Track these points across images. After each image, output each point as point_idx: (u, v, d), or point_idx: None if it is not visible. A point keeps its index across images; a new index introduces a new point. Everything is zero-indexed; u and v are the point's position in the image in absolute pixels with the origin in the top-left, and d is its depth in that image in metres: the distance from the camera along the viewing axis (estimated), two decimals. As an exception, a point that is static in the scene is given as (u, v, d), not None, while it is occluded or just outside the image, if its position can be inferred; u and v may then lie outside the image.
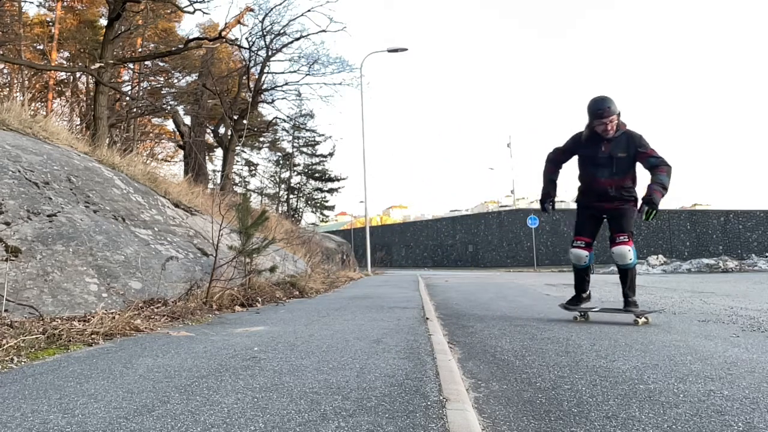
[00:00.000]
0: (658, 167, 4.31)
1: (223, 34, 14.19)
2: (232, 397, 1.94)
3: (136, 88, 23.04)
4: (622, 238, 4.48)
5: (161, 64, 22.59)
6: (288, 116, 31.34)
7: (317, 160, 36.11)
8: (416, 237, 42.44)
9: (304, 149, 35.97)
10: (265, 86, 19.81)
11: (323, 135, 35.29)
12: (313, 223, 32.66)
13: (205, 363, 2.54)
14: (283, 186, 35.04)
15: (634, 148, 4.34)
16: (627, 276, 4.55)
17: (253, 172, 35.40)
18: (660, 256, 19.95)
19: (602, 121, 4.28)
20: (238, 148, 22.71)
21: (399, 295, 7.10)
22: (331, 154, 35.84)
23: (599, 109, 4.29)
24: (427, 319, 4.37)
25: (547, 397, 2.16)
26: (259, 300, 5.64)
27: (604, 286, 9.56)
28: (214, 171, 25.70)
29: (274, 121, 26.44)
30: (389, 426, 1.64)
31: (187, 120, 20.47)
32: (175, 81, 23.94)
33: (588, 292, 4.94)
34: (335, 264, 15.23)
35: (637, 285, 4.88)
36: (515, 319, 4.75)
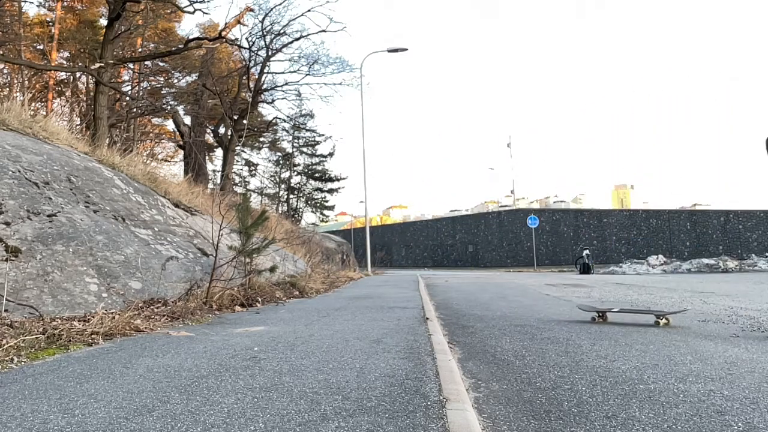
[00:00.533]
0: None
1: (223, 34, 14.19)
2: (232, 397, 1.94)
3: (136, 88, 23.03)
4: None
5: (161, 64, 22.59)
6: (288, 116, 31.36)
7: (317, 160, 36.10)
8: (416, 237, 42.42)
9: (304, 149, 35.97)
10: (265, 86, 19.81)
11: (323, 135, 35.30)
12: (313, 223, 32.64)
13: (205, 363, 2.54)
14: (283, 186, 35.04)
15: None
16: None
17: (253, 172, 35.40)
18: (660, 256, 19.94)
19: None
20: (238, 148, 22.71)
21: (399, 295, 7.09)
22: (331, 154, 35.84)
23: None
24: (427, 319, 4.37)
25: (547, 397, 2.16)
26: (259, 300, 5.64)
27: (605, 286, 9.55)
28: (214, 171, 25.71)
29: (274, 121, 26.44)
30: (389, 426, 1.64)
31: (187, 120, 20.48)
32: (175, 81, 23.95)
33: None
34: (335, 264, 15.23)
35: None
36: (515, 319, 4.75)
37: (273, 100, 22.57)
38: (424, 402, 1.90)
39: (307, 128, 34.40)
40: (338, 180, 36.02)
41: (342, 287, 9.59)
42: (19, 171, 4.92)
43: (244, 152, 32.38)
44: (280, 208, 30.89)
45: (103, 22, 19.91)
